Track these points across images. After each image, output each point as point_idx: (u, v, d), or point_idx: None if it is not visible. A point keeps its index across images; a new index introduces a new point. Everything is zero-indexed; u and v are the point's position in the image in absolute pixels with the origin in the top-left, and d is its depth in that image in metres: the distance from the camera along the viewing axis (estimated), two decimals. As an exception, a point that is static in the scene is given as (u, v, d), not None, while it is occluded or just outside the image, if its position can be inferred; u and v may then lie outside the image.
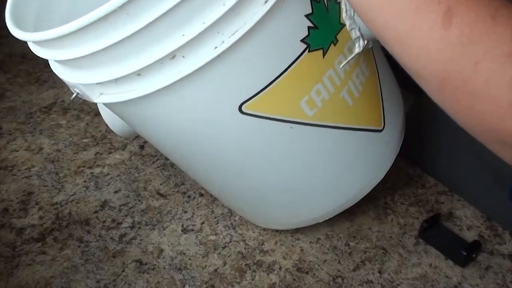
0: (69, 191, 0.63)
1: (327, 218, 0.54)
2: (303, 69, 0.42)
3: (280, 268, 0.54)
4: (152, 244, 0.56)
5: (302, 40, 0.41)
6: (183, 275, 0.53)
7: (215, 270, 0.54)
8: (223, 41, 0.37)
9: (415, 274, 0.54)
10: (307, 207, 0.53)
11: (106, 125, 0.52)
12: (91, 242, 0.56)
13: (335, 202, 0.53)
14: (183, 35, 0.36)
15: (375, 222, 0.60)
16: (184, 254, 0.56)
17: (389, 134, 0.53)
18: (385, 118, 0.52)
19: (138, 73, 0.38)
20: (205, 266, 0.54)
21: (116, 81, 0.39)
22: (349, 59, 0.44)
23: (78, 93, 0.42)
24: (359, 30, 0.44)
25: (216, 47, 0.37)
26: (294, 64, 0.42)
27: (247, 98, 0.41)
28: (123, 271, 0.53)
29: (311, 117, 0.45)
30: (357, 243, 0.58)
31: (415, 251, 0.57)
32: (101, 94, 0.41)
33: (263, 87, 0.41)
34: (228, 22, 0.36)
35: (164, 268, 0.54)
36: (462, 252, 0.54)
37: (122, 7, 0.33)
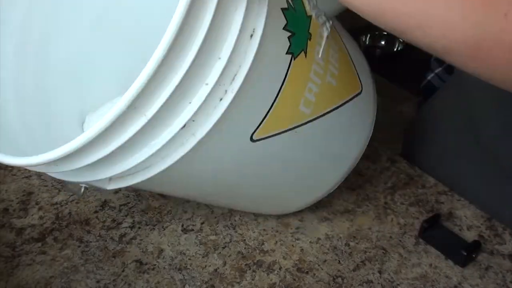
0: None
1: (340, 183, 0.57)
2: (294, 78, 0.43)
3: (280, 268, 0.54)
4: (152, 244, 0.56)
5: (287, 52, 0.41)
6: (183, 275, 0.53)
7: (215, 270, 0.54)
8: (226, 91, 0.37)
9: (415, 274, 0.54)
10: (320, 184, 0.56)
11: None
12: (91, 242, 0.56)
13: (343, 169, 0.56)
14: (190, 102, 0.36)
15: (375, 222, 0.60)
16: (184, 254, 0.56)
17: (366, 91, 0.56)
18: (360, 80, 0.54)
19: (152, 154, 0.38)
20: (205, 266, 0.54)
21: (128, 170, 0.39)
22: (323, 45, 0.45)
23: (86, 187, 0.42)
24: (324, 14, 0.45)
25: (221, 99, 0.37)
26: (286, 77, 0.42)
27: (256, 127, 0.42)
28: (123, 271, 0.53)
29: (309, 115, 0.46)
30: (357, 243, 0.58)
31: (415, 251, 0.57)
32: (110, 180, 0.41)
33: (266, 112, 0.42)
34: (225, 72, 0.36)
35: (164, 268, 0.54)
36: (462, 252, 0.54)
37: (131, 105, 0.33)
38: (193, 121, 0.37)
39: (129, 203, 0.61)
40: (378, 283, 0.53)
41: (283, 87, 0.42)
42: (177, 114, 0.36)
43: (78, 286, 0.51)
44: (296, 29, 0.42)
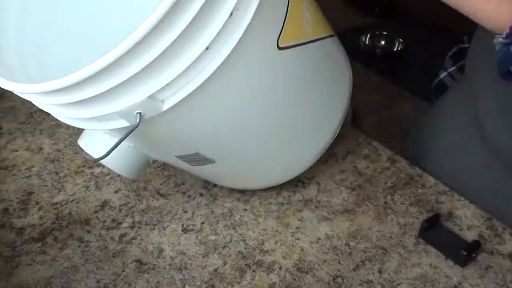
0: (69, 191, 0.63)
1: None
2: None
3: (280, 268, 0.54)
4: (152, 244, 0.56)
5: None
6: (183, 275, 0.53)
7: (215, 270, 0.54)
8: (237, 9, 0.39)
9: (415, 274, 0.55)
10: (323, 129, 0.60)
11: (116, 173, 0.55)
12: (91, 242, 0.56)
13: (340, 112, 0.61)
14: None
15: (375, 222, 0.60)
16: (184, 254, 0.56)
17: (338, 42, 0.60)
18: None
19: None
20: (205, 266, 0.54)
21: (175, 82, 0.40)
22: None
23: (141, 114, 0.42)
24: None
25: (232, 14, 0.39)
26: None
27: (279, 33, 0.45)
28: (123, 271, 0.53)
29: (311, 34, 0.50)
30: (357, 243, 0.58)
31: (415, 251, 0.57)
32: (163, 102, 0.42)
33: (283, 19, 0.45)
34: None
35: (164, 268, 0.54)
36: (462, 252, 0.54)
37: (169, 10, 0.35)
38: (237, 10, 0.39)
39: (129, 203, 0.61)
40: (378, 283, 0.53)
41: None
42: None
43: (78, 286, 0.51)
44: None
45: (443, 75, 0.80)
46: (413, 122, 0.81)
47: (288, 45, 0.46)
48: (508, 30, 0.46)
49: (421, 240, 0.58)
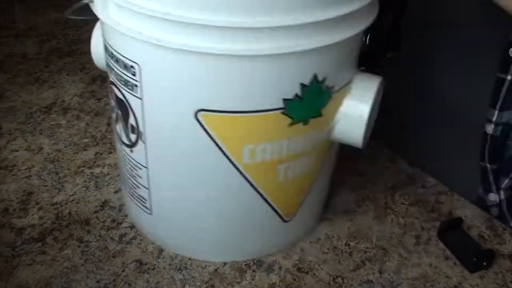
0: (69, 191, 0.63)
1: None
2: (268, 122, 0.44)
3: (280, 268, 0.54)
4: (152, 244, 0.56)
5: (284, 100, 0.43)
6: (183, 275, 0.53)
7: (215, 270, 0.54)
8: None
9: (415, 274, 0.55)
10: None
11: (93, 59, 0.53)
12: (91, 242, 0.56)
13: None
14: None
15: (375, 222, 0.60)
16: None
17: (293, 226, 0.55)
18: (297, 214, 0.54)
19: None
20: (205, 266, 0.54)
21: None
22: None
23: None
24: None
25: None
26: (263, 113, 0.43)
27: (208, 108, 0.43)
28: (123, 271, 0.53)
29: (245, 165, 0.47)
30: (357, 243, 0.58)
31: (415, 251, 0.57)
32: None
33: (227, 110, 0.43)
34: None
35: (164, 268, 0.54)
36: (472, 258, 0.54)
37: None
38: None
39: (129, 203, 0.61)
40: (378, 283, 0.53)
41: (254, 114, 0.44)
42: None
43: (78, 286, 0.51)
44: (306, 98, 0.44)
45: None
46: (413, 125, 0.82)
47: (203, 124, 0.44)
48: None
49: (421, 240, 0.58)
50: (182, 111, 0.44)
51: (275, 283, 0.53)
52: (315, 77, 0.43)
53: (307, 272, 0.54)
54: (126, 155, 0.51)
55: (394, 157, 0.70)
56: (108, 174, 0.65)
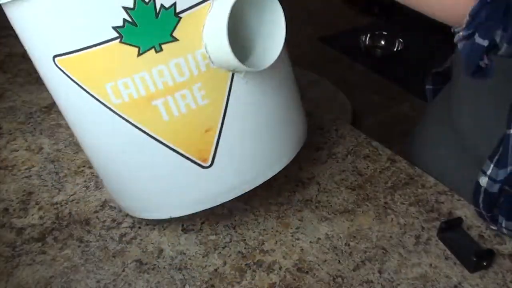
0: (69, 191, 0.63)
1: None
2: (112, 55, 0.44)
3: (280, 268, 0.54)
4: (152, 244, 0.56)
5: (114, 28, 0.43)
6: (183, 275, 0.53)
7: (215, 270, 0.54)
8: None
9: (415, 274, 0.55)
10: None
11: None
12: (91, 242, 0.56)
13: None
14: None
15: (375, 222, 0.60)
16: (184, 254, 0.56)
17: (220, 175, 0.51)
18: (216, 157, 0.49)
19: None
20: (205, 266, 0.54)
21: None
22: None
23: None
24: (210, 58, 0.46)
25: None
26: (103, 45, 0.43)
27: (60, 52, 0.45)
28: (123, 271, 0.53)
29: (116, 105, 0.46)
30: (357, 243, 0.58)
31: (415, 251, 0.57)
32: None
33: (74, 49, 0.44)
34: None
35: (164, 268, 0.54)
36: (472, 258, 0.54)
37: None
38: None
39: (129, 203, 0.61)
40: (378, 283, 0.53)
41: (96, 48, 0.44)
42: None
43: (78, 286, 0.51)
44: (141, 24, 0.43)
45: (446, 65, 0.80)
46: (414, 123, 0.83)
47: (64, 70, 0.47)
48: (467, 18, 0.44)
49: (421, 240, 0.58)
50: (44, 59, 0.47)
51: (275, 283, 0.53)
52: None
53: (307, 272, 0.54)
54: None
55: (394, 157, 0.70)
56: (108, 174, 0.65)
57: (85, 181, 0.64)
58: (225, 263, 0.55)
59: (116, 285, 0.52)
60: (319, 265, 0.55)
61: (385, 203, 0.63)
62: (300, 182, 0.65)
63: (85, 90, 0.46)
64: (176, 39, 0.44)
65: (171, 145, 0.48)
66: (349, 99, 1.87)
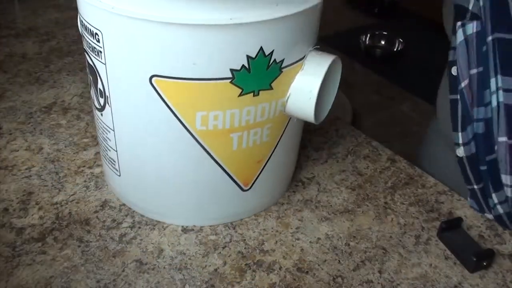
0: (69, 191, 0.63)
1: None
2: (217, 91, 0.47)
3: (280, 268, 0.54)
4: (152, 244, 0.56)
5: (231, 70, 0.46)
6: (183, 275, 0.53)
7: (215, 270, 0.54)
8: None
9: (415, 274, 0.55)
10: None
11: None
12: (91, 242, 0.56)
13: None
14: None
15: (375, 222, 0.60)
16: (184, 254, 0.56)
17: (253, 197, 0.58)
18: (256, 183, 0.57)
19: None
20: (205, 266, 0.54)
21: None
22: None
23: None
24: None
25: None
26: (215, 81, 0.46)
27: (161, 74, 0.46)
28: (123, 271, 0.53)
29: (198, 131, 0.50)
30: (357, 243, 0.58)
31: (415, 251, 0.57)
32: None
33: (180, 76, 0.46)
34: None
35: (164, 268, 0.54)
36: (472, 258, 0.54)
37: None
38: None
39: (129, 203, 0.61)
40: (378, 283, 0.53)
41: (204, 81, 0.46)
42: None
43: (78, 286, 0.51)
44: (254, 71, 0.47)
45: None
46: (414, 123, 0.83)
47: (157, 89, 0.48)
48: None
49: (421, 240, 0.58)
50: (138, 76, 0.47)
51: (275, 283, 0.53)
52: (261, 49, 0.45)
53: (307, 272, 0.54)
54: (98, 118, 0.56)
55: (394, 157, 0.70)
56: (108, 174, 0.65)
57: (85, 181, 0.64)
58: (225, 263, 0.55)
59: (116, 285, 0.52)
60: (319, 265, 0.55)
61: (385, 203, 0.63)
62: (300, 182, 0.65)
63: (173, 112, 0.49)
64: (271, 88, 0.49)
65: (227, 170, 0.54)
66: (349, 99, 1.87)
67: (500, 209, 0.60)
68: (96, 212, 0.60)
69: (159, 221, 0.59)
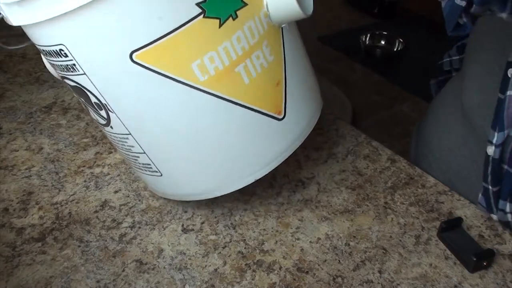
0: (69, 191, 0.63)
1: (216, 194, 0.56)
2: (196, 33, 0.45)
3: (280, 268, 0.54)
4: (152, 244, 0.56)
5: (197, 4, 0.44)
6: (183, 274, 0.53)
7: (215, 269, 0.54)
8: None
9: (415, 274, 0.55)
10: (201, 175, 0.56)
11: None
12: (91, 242, 0.56)
13: (222, 180, 0.56)
14: None
15: (375, 222, 0.60)
16: (184, 254, 0.56)
17: (291, 124, 0.55)
18: (287, 107, 0.53)
19: None
20: (205, 266, 0.54)
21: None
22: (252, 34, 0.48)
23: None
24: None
25: None
26: (187, 25, 0.44)
27: (138, 47, 0.44)
28: (123, 270, 0.53)
29: (203, 83, 0.47)
30: (357, 243, 0.58)
31: (415, 251, 0.57)
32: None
33: (154, 39, 0.44)
34: None
35: (164, 267, 0.54)
36: (472, 258, 0.54)
37: None
38: None
39: (129, 203, 0.62)
40: (378, 283, 0.53)
41: (180, 30, 0.44)
42: None
43: (78, 286, 0.51)
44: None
45: (445, 59, 0.82)
46: (414, 123, 0.83)
47: (146, 65, 0.45)
48: None
49: (421, 240, 0.58)
50: (119, 62, 0.45)
51: (275, 283, 0.53)
52: None
53: (307, 272, 0.54)
54: (111, 134, 0.53)
55: (394, 157, 0.70)
56: (108, 174, 0.65)
57: (85, 181, 0.64)
58: (225, 263, 0.55)
59: (116, 285, 0.52)
60: (319, 265, 0.55)
61: (385, 203, 0.63)
62: (300, 182, 0.65)
63: (169, 77, 0.46)
64: (245, 4, 0.47)
65: (252, 106, 0.50)
66: (349, 99, 1.87)
67: (510, 218, 0.60)
68: (96, 212, 0.60)
69: (159, 221, 0.59)
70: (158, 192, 0.60)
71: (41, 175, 0.65)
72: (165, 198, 0.62)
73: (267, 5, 0.49)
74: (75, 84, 0.49)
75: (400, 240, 0.58)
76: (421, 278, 0.54)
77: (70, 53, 0.45)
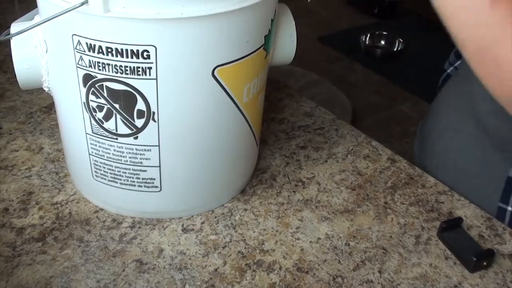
0: (69, 190, 0.63)
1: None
2: (257, 59, 0.51)
3: (280, 268, 0.54)
4: (152, 243, 0.56)
5: (264, 36, 0.51)
6: (183, 274, 0.53)
7: (215, 269, 0.54)
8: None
9: (415, 274, 0.55)
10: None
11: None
12: (91, 242, 0.56)
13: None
14: None
15: (375, 222, 0.60)
16: (184, 254, 0.56)
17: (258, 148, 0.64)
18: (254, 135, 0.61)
19: None
20: (205, 266, 0.54)
21: None
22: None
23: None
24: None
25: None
26: (257, 51, 0.51)
27: (222, 63, 0.48)
28: (123, 270, 0.53)
29: (244, 104, 0.53)
30: (357, 243, 0.58)
31: (415, 251, 0.57)
32: None
33: (236, 58, 0.49)
34: None
35: (164, 267, 0.54)
36: (472, 258, 0.54)
37: None
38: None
39: (129, 203, 0.61)
40: (378, 283, 0.53)
41: (251, 55, 0.50)
42: None
43: (78, 286, 0.51)
44: (271, 33, 0.53)
45: (450, 69, 0.81)
46: (418, 122, 0.82)
47: (219, 79, 0.50)
48: None
49: (421, 240, 0.58)
50: (200, 73, 0.48)
51: (275, 283, 0.53)
52: (275, 11, 0.52)
53: (307, 272, 0.54)
54: (124, 145, 0.52)
55: (394, 157, 0.70)
56: (108, 174, 0.65)
57: (85, 181, 0.64)
58: (225, 263, 0.55)
59: (116, 285, 0.52)
60: (319, 265, 0.55)
61: (385, 203, 0.63)
62: (300, 182, 0.65)
63: (227, 93, 0.51)
64: (272, 43, 0.55)
65: (254, 131, 0.59)
66: (349, 99, 1.87)
67: None
68: (96, 212, 0.60)
69: (159, 221, 0.59)
70: (145, 208, 0.59)
71: (41, 175, 0.65)
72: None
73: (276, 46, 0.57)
74: (124, 88, 0.48)
75: (400, 240, 0.58)
76: (421, 278, 0.54)
77: (155, 56, 0.45)
